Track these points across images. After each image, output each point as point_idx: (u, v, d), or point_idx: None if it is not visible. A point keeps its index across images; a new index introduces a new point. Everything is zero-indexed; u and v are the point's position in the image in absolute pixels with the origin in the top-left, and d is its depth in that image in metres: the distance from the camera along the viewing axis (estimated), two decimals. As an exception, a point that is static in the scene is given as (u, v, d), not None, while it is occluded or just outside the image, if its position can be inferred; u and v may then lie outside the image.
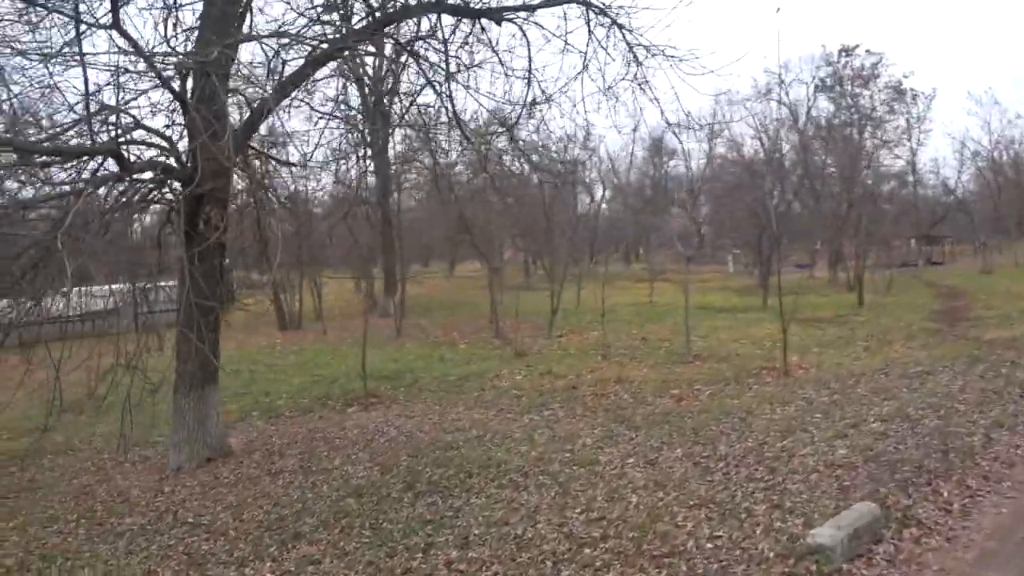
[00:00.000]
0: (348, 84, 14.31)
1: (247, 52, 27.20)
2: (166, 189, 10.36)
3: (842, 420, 9.80)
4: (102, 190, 9.20)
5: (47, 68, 8.42)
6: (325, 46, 10.36)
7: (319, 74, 11.77)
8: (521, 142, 14.96)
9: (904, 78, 43.97)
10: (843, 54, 40.45)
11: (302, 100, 12.54)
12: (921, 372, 12.60)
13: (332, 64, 11.62)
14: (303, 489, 9.32)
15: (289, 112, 13.56)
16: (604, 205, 69.40)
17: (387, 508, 8.30)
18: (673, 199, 66.35)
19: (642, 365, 17.00)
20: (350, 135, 33.05)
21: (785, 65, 44.23)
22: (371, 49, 12.76)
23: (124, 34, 8.25)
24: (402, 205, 41.74)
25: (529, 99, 11.99)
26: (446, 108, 12.23)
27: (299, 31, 10.28)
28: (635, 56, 11.36)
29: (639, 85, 11.47)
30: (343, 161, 33.06)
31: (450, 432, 11.32)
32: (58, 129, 8.79)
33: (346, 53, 10.62)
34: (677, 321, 26.04)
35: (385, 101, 18.84)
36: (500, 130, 14.69)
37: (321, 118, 13.88)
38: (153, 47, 9.06)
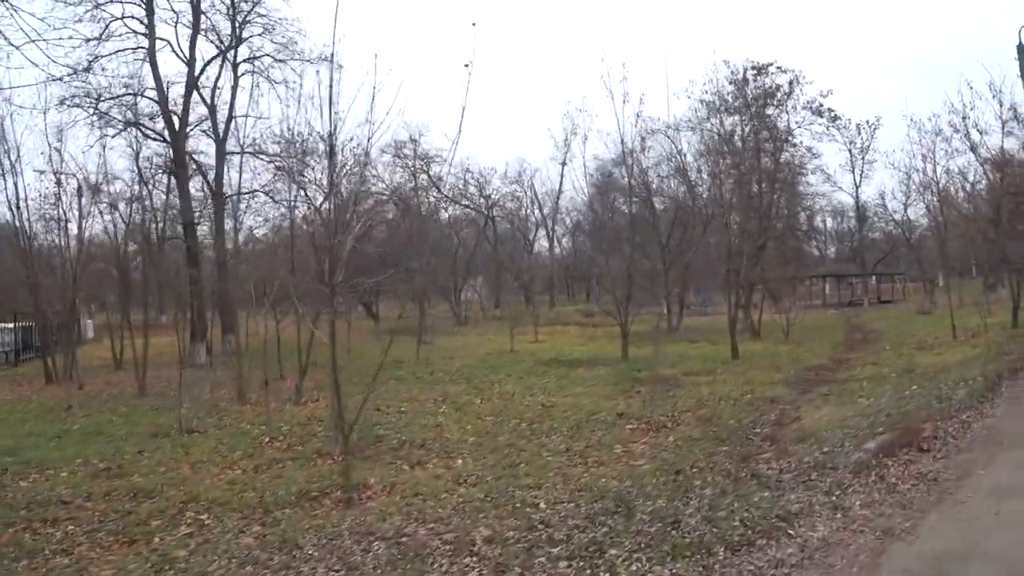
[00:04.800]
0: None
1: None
2: None
3: None
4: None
5: None
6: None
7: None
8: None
9: (822, 96, 36.88)
10: (753, 71, 33.43)
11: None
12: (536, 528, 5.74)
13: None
14: None
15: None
16: (557, 244, 63.02)
17: None
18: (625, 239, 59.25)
19: (262, 460, 10.62)
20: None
21: (719, 92, 36.61)
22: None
23: None
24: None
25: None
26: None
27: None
28: None
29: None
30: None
31: None
32: None
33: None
34: (497, 378, 19.21)
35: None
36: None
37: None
38: None
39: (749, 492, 6.23)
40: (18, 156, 21.45)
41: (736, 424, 10.91)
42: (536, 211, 53.77)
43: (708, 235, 33.33)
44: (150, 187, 27.98)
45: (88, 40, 23.54)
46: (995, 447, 7.50)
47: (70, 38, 22.67)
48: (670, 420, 11.80)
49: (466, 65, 8.37)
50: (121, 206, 23.76)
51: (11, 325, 26.07)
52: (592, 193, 56.51)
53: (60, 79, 21.50)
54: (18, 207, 21.09)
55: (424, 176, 39.30)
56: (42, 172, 22.61)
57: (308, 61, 23.20)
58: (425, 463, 10.03)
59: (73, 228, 23.15)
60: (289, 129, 22.71)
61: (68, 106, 23.18)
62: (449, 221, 44.58)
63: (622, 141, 22.60)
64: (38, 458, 11.48)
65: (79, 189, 25.50)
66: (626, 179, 39.47)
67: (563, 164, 50.87)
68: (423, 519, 6.74)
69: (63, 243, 23.57)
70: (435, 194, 39.89)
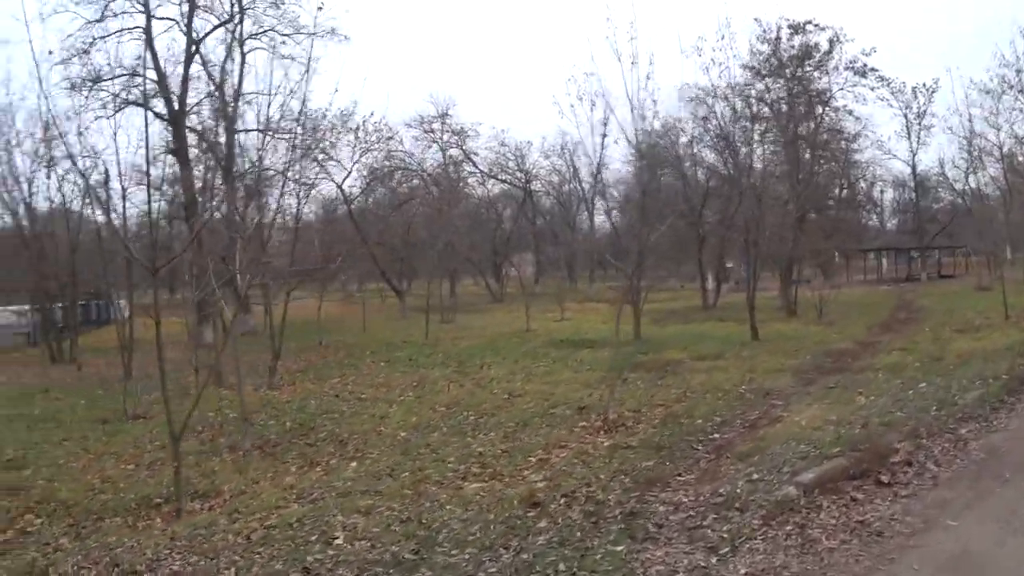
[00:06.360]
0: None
1: None
2: None
3: None
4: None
5: None
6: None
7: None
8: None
9: (864, 55, 32.98)
10: (789, 30, 30.04)
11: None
12: None
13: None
14: None
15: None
16: (607, 219, 60.33)
17: None
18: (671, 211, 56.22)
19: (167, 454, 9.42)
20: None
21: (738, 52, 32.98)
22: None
23: None
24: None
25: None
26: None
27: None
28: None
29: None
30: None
31: None
32: None
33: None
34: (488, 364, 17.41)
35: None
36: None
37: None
38: None
39: (599, 544, 4.42)
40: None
41: (701, 425, 8.99)
42: (578, 185, 51.07)
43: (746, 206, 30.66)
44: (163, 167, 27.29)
45: (89, 22, 22.93)
46: (990, 481, 5.46)
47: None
48: (633, 417, 9.95)
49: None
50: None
51: (27, 307, 25.89)
52: (640, 165, 53.39)
53: (62, 63, 20.98)
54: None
55: (456, 151, 37.58)
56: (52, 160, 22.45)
57: (314, 35, 21.64)
58: (318, 464, 8.53)
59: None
60: (303, 107, 21.48)
61: (76, 89, 22.41)
62: (488, 197, 42.71)
63: (632, 107, 20.21)
64: None
65: (106, 173, 24.98)
66: (667, 150, 36.91)
67: (603, 136, 47.44)
68: (199, 551, 5.22)
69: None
70: (469, 168, 38.12)
